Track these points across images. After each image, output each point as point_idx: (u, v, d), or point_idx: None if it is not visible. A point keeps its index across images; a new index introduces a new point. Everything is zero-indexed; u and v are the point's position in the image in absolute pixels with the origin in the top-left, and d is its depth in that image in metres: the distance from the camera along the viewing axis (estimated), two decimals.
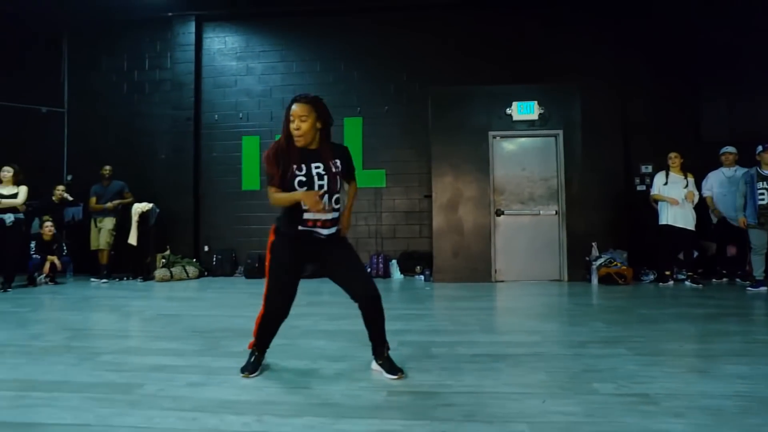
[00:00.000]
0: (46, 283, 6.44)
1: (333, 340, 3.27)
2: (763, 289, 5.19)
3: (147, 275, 6.94)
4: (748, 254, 5.55)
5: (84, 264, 7.28)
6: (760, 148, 5.36)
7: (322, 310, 4.46)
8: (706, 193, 6.08)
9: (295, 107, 2.35)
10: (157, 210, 7.12)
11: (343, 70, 7.58)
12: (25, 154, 7.38)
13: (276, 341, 2.73)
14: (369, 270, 7.11)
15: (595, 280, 6.00)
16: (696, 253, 6.10)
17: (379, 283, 6.94)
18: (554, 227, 6.41)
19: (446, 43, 7.41)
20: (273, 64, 7.69)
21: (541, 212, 6.41)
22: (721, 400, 2.12)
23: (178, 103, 7.62)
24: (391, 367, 2.50)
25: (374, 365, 2.57)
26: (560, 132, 6.35)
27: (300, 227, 2.38)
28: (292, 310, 2.55)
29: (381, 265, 7.04)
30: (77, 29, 7.96)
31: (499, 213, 6.42)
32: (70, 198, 7.12)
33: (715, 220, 6.13)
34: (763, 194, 5.23)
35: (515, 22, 7.37)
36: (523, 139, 6.45)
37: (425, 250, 7.29)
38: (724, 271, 6.11)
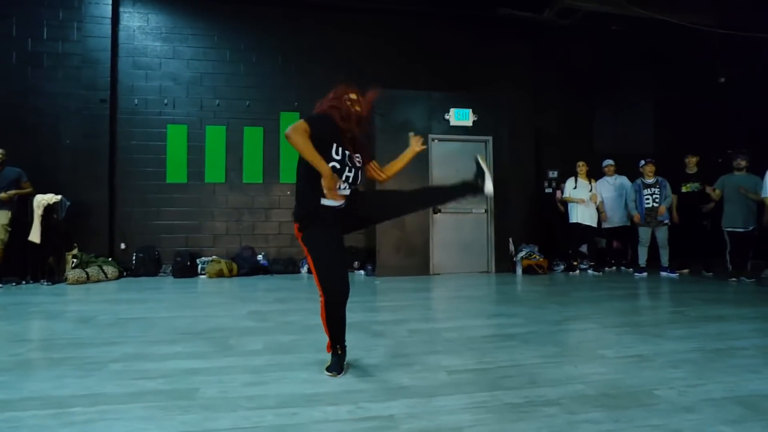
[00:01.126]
0: None
1: (351, 334, 3.34)
2: (645, 274, 6.45)
3: (54, 277, 6.03)
4: (636, 246, 6.80)
5: None
6: (642, 162, 6.64)
7: (304, 305, 4.45)
8: (599, 197, 7.26)
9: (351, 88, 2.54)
10: (68, 203, 6.22)
11: (280, 63, 7.40)
12: None
13: (292, 337, 2.74)
14: (307, 265, 7.10)
15: (519, 270, 6.80)
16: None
17: None
18: (483, 224, 7.09)
19: (383, 49, 7.68)
20: (204, 50, 7.19)
21: (473, 210, 7.04)
22: (689, 354, 2.77)
23: (90, 83, 6.71)
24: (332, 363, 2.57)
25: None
26: (490, 138, 7.04)
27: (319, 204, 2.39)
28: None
29: None
30: None
31: (436, 211, 6.90)
32: None
33: (605, 220, 7.34)
34: (648, 199, 6.48)
35: (450, 33, 7.92)
36: (458, 143, 7.01)
37: (361, 245, 7.50)
38: (613, 261, 7.38)
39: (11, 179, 5.92)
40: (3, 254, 5.82)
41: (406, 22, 7.81)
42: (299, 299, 4.86)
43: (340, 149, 2.39)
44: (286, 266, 7.05)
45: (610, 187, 7.13)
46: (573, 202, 6.87)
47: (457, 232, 6.98)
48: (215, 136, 7.16)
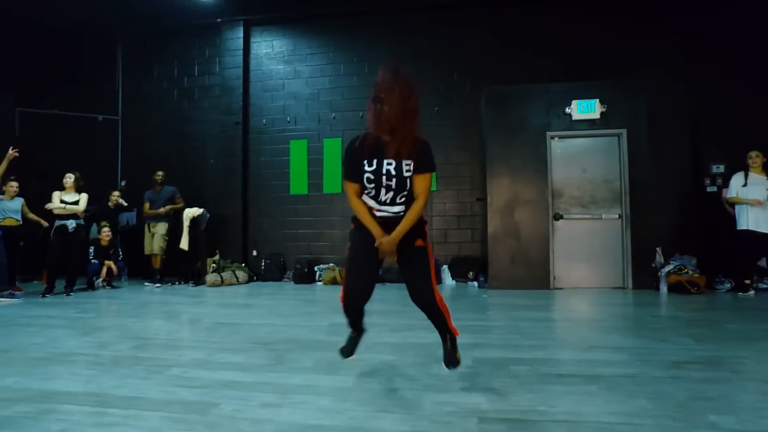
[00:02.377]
0: (103, 287, 6.59)
1: (400, 354, 3.11)
2: None
3: (198, 280, 7.00)
4: None
5: (137, 268, 7.41)
6: None
7: (383, 320, 4.31)
8: None
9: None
10: (208, 215, 7.17)
11: None
12: (81, 160, 7.60)
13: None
14: None
15: (664, 288, 5.61)
16: None
17: None
18: (617, 232, 6.05)
19: (496, 40, 7.15)
20: (320, 67, 7.63)
21: (603, 216, 6.06)
22: None
23: (227, 108, 7.67)
24: (448, 357, 2.47)
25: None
26: (624, 131, 5.99)
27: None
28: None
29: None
30: (130, 38, 8.16)
31: (557, 217, 6.11)
32: (125, 203, 7.26)
33: None
34: None
35: (569, 15, 7.02)
36: (583, 140, 6.12)
37: (477, 255, 7.06)
38: None
39: (168, 196, 7.06)
40: (162, 259, 6.97)
41: (515, 12, 7.13)
42: (387, 313, 4.72)
43: (374, 160, 2.23)
44: (399, 275, 6.97)
45: None
46: (742, 203, 5.40)
47: (585, 240, 6.08)
48: (332, 149, 7.51)
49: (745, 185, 5.43)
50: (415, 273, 2.38)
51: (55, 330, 3.98)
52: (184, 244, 6.94)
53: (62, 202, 5.95)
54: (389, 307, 5.08)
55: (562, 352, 3.19)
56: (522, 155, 6.17)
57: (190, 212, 7.01)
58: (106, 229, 6.61)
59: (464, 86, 7.25)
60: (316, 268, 7.15)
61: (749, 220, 5.36)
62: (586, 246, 6.06)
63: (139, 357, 3.13)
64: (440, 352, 3.20)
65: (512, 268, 6.12)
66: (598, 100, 6.00)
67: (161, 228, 6.93)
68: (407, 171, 2.24)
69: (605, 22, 6.92)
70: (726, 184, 6.15)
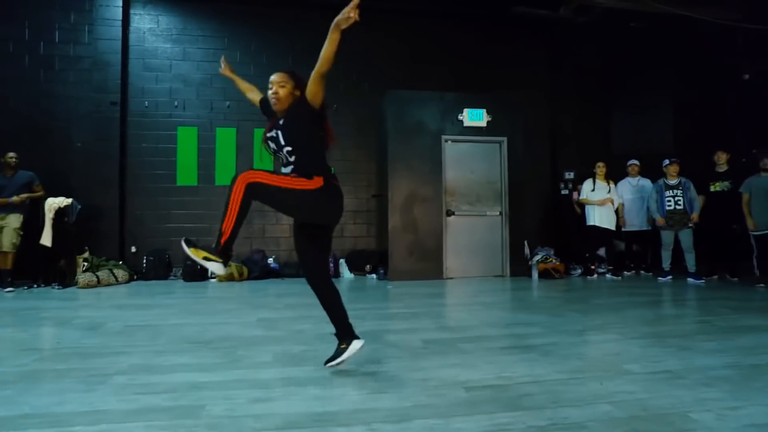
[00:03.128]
0: None
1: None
2: (669, 278, 6.22)
3: (64, 281, 6.02)
4: (657, 250, 6.58)
5: None
6: (666, 161, 6.38)
7: (309, 312, 4.34)
8: (617, 200, 7.02)
9: (273, 75, 2.61)
10: (79, 206, 6.20)
11: (291, 64, 7.30)
12: None
13: (303, 348, 2.63)
14: None
15: (535, 275, 6.63)
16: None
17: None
18: (498, 227, 6.93)
19: (396, 47, 7.56)
20: (214, 51, 7.13)
21: (487, 213, 6.89)
22: (724, 370, 2.59)
23: (101, 86, 6.69)
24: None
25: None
26: (504, 139, 6.88)
27: None
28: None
29: (331, 264, 6.95)
30: None
31: (449, 213, 6.75)
32: None
33: (623, 225, 7.08)
34: (670, 201, 6.24)
35: (464, 33, 7.79)
36: (472, 144, 6.86)
37: (373, 248, 7.38)
38: (632, 265, 7.16)
39: (23, 183, 5.93)
40: (15, 258, 5.82)
41: (419, 22, 7.69)
42: (309, 305, 4.71)
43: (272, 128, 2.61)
44: (298, 270, 6.94)
45: (632, 188, 6.91)
46: (593, 204, 6.66)
47: (471, 235, 6.83)
48: (225, 138, 7.11)
49: (593, 190, 6.71)
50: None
51: None
52: (46, 239, 5.90)
53: None
54: (306, 300, 5.09)
55: (489, 329, 3.65)
56: (420, 156, 6.67)
57: (55, 202, 5.98)
58: None
59: (363, 87, 7.50)
60: None
61: (595, 217, 6.64)
62: (472, 239, 6.82)
63: (57, 369, 2.71)
64: (392, 337, 3.43)
65: (410, 261, 6.58)
66: (485, 110, 6.80)
67: (14, 220, 5.76)
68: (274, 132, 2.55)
69: (490, 43, 7.84)
70: (575, 188, 7.52)
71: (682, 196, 6.17)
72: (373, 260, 7.17)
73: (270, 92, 2.58)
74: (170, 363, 2.79)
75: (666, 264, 6.31)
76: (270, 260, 6.99)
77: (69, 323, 3.93)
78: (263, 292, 5.68)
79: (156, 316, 4.20)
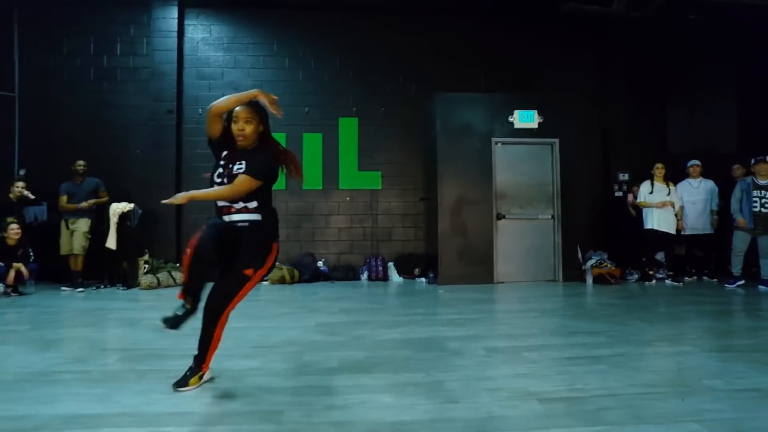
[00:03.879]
0: (8, 294, 5.62)
1: (412, 350, 3.20)
2: (738, 285, 5.86)
3: (127, 282, 6.31)
4: (721, 255, 6.25)
5: (45, 271, 6.43)
6: (753, 160, 5.92)
7: (367, 317, 4.36)
8: (677, 202, 6.69)
9: (238, 109, 2.49)
10: (140, 210, 6.49)
11: (338, 68, 7.40)
12: None
13: (366, 354, 2.60)
14: (367, 273, 7.05)
15: (590, 280, 6.42)
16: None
17: (381, 286, 6.98)
18: (549, 230, 6.76)
19: (441, 49, 7.52)
20: (264, 58, 7.31)
21: (538, 216, 6.74)
22: None
23: (158, 94, 6.99)
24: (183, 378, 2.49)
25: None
26: (557, 140, 6.71)
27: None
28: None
29: (380, 268, 6.99)
30: (29, 4, 7.00)
31: (500, 217, 6.65)
32: (32, 196, 6.25)
33: (682, 229, 6.73)
34: (756, 202, 5.78)
35: (512, 32, 7.67)
36: (523, 146, 6.73)
37: (421, 252, 7.36)
38: (694, 270, 6.82)
39: (91, 189, 6.26)
40: (84, 260, 6.16)
41: (467, 22, 7.61)
42: (364, 310, 4.79)
43: (227, 162, 2.52)
44: (346, 273, 7.02)
45: (693, 190, 6.58)
46: (652, 206, 6.38)
47: (522, 238, 6.69)
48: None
49: (651, 192, 6.44)
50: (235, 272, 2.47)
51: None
52: (111, 242, 6.20)
53: None
54: (360, 304, 5.15)
55: (551, 338, 3.56)
56: (469, 158, 6.59)
57: (119, 207, 6.28)
58: (13, 225, 5.65)
59: (410, 90, 7.49)
60: None
61: (654, 220, 6.37)
62: (523, 243, 6.69)
63: (138, 370, 2.83)
64: (454, 344, 3.39)
65: (459, 265, 6.51)
66: (536, 111, 6.65)
67: (83, 225, 6.10)
68: (238, 170, 2.45)
69: (539, 42, 7.68)
70: (630, 190, 7.25)
71: None
72: (421, 264, 7.15)
73: (235, 127, 2.48)
74: (241, 367, 2.86)
75: (737, 269, 5.94)
76: (319, 263, 7.09)
77: (139, 324, 4.11)
78: (315, 295, 5.76)
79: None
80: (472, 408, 2.22)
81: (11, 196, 6.11)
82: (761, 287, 5.72)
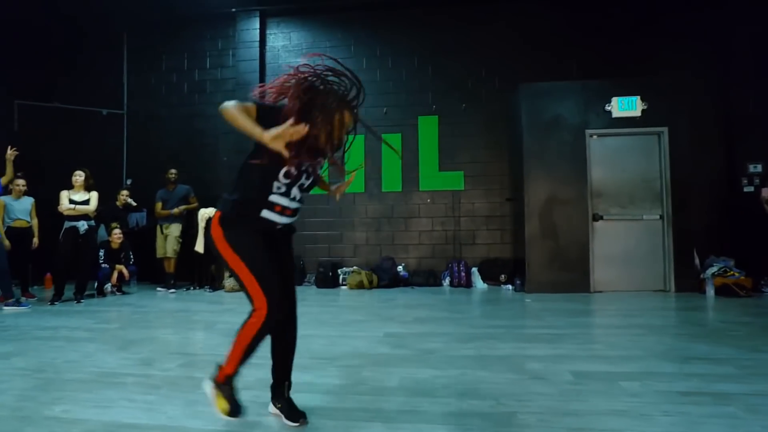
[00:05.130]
0: (113, 293, 6.14)
1: (488, 369, 2.80)
2: None
3: (213, 285, 6.59)
4: None
5: (146, 272, 6.96)
6: None
7: (440, 329, 4.02)
8: None
9: (349, 116, 1.98)
10: None
11: (416, 66, 7.14)
12: (85, 156, 7.16)
13: (431, 373, 2.25)
14: (449, 278, 6.67)
15: (711, 291, 5.44)
16: None
17: (463, 293, 6.48)
18: (657, 233, 5.87)
19: (521, 38, 6.93)
20: (342, 60, 7.16)
21: (643, 217, 5.87)
22: None
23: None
24: (290, 410, 2.09)
25: (272, 408, 2.16)
26: (665, 129, 5.81)
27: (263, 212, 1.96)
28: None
29: (463, 274, 6.56)
30: (137, 28, 7.69)
31: (596, 218, 5.90)
32: (134, 203, 6.81)
33: None
34: None
35: (603, 15, 6.82)
36: (623, 138, 5.92)
37: (508, 257, 6.81)
38: None
39: (182, 195, 6.64)
40: (176, 262, 6.55)
41: (547, 7, 6.89)
42: (440, 320, 4.44)
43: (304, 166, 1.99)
44: (427, 278, 6.71)
45: None
46: None
47: (624, 242, 5.89)
48: (355, 146, 7.10)
49: None
50: (290, 276, 2.12)
51: (83, 344, 3.58)
52: (199, 246, 6.52)
53: (71, 201, 5.50)
54: (437, 313, 4.80)
55: (660, 364, 2.93)
56: (559, 153, 5.95)
57: (206, 212, 6.59)
58: (117, 230, 6.16)
59: (492, 83, 7.00)
60: (339, 272, 6.81)
61: None
62: (625, 247, 5.87)
63: (194, 377, 2.77)
64: (535, 366, 2.93)
65: (550, 271, 5.88)
66: (639, 97, 5.81)
67: (175, 229, 6.50)
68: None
69: (632, 18, 6.75)
70: (764, 184, 6.05)
71: None
72: (507, 269, 6.61)
73: (338, 133, 1.99)
74: (295, 381, 2.69)
75: None
76: (399, 268, 6.85)
77: (212, 328, 4.17)
78: (392, 302, 5.52)
79: (303, 324, 4.26)
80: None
81: (117, 203, 6.69)
82: None
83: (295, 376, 2.76)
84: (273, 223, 1.99)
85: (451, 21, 7.09)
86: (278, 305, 1.93)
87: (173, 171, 6.63)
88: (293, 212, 2.07)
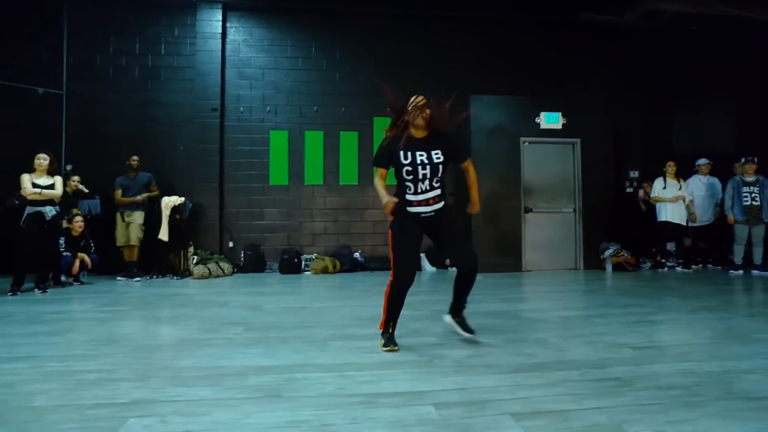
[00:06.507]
0: (71, 283, 5.85)
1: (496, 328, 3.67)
2: (740, 272, 6.55)
3: (176, 272, 6.60)
4: (723, 244, 6.94)
5: (101, 262, 6.64)
6: (742, 159, 6.70)
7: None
8: (688, 197, 7.33)
9: (421, 99, 3.02)
10: (191, 204, 6.79)
11: (373, 71, 7.81)
12: (22, 138, 6.64)
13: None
14: None
15: (609, 267, 7.02)
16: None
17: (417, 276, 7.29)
18: (571, 223, 7.35)
19: (471, 54, 7.98)
20: (303, 60, 7.68)
21: (562, 210, 7.31)
22: None
23: (203, 93, 7.29)
24: (465, 324, 3.00)
25: (448, 318, 3.07)
26: (578, 141, 7.29)
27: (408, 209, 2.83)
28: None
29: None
30: (79, 4, 7.22)
31: (527, 210, 7.19)
32: (86, 190, 6.49)
33: (694, 221, 7.40)
34: (747, 197, 6.54)
35: (532, 39, 8.17)
36: (548, 145, 7.28)
37: None
38: (699, 259, 7.51)
39: (144, 183, 6.54)
40: (139, 251, 6.43)
41: (491, 30, 8.10)
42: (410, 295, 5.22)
43: (409, 153, 2.83)
44: (383, 264, 7.44)
45: (702, 186, 7.26)
46: (666, 201, 6.99)
47: (548, 230, 7.25)
48: (314, 141, 7.64)
49: (664, 187, 7.08)
50: (457, 237, 2.93)
51: (124, 322, 3.70)
52: (163, 234, 6.49)
53: (35, 186, 5.21)
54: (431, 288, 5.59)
55: (607, 309, 4.08)
56: (499, 156, 7.11)
57: (170, 201, 6.57)
58: (78, 217, 5.91)
59: (440, 93, 7.90)
60: (302, 258, 7.24)
61: (668, 213, 7.01)
62: (549, 235, 7.24)
63: (272, 337, 3.18)
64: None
65: (491, 254, 7.01)
66: (561, 113, 7.22)
67: (138, 217, 6.37)
68: (437, 158, 2.82)
69: (558, 48, 8.24)
70: (640, 186, 7.91)
71: (759, 193, 6.47)
72: None
73: (423, 114, 2.93)
74: (361, 333, 3.25)
75: (738, 258, 6.63)
76: (356, 254, 7.49)
77: (227, 306, 4.46)
78: (362, 282, 6.16)
79: (297, 300, 4.73)
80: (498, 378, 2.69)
81: (67, 189, 6.29)
82: (754, 272, 6.45)
83: (358, 332, 3.27)
84: (416, 214, 2.83)
85: (407, 34, 7.89)
86: (401, 277, 2.78)
87: (135, 158, 6.49)
88: (428, 202, 2.84)
